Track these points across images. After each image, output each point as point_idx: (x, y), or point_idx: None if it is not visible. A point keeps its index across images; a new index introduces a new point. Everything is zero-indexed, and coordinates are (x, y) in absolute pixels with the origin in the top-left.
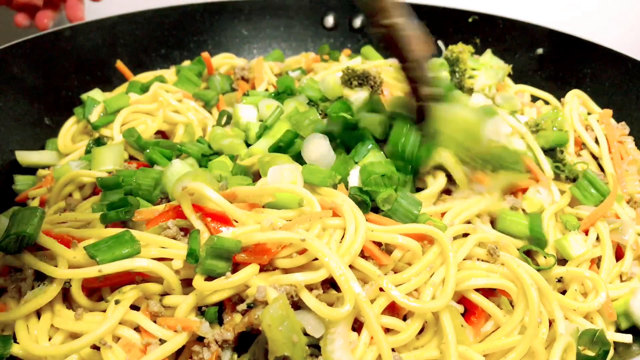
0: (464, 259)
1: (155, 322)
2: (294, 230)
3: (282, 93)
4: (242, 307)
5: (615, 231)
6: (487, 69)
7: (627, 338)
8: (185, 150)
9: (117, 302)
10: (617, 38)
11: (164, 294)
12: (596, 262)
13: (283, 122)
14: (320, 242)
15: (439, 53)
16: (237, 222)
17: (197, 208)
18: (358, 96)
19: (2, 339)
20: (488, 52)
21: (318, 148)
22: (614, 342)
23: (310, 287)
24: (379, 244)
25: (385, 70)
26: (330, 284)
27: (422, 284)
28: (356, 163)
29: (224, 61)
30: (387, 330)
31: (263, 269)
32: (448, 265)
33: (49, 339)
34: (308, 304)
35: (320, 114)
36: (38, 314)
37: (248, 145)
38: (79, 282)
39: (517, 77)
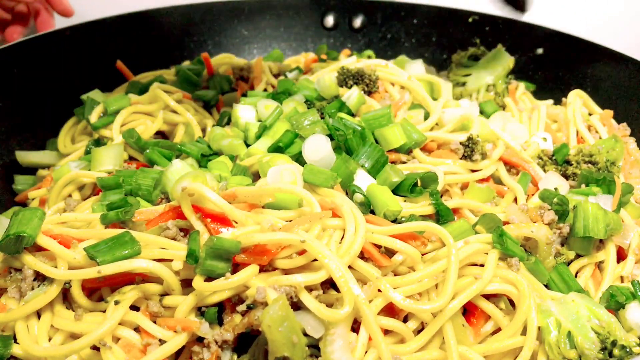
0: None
1: (155, 322)
2: (293, 231)
3: (281, 94)
4: (241, 307)
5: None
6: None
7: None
8: (185, 151)
9: (116, 302)
10: (617, 38)
11: (164, 295)
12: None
13: (282, 122)
14: (320, 244)
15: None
16: (236, 222)
17: (197, 209)
18: (350, 94)
19: (2, 339)
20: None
21: (319, 148)
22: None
23: (309, 288)
24: (378, 247)
25: (379, 68)
26: (330, 284)
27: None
28: (359, 165)
29: (223, 61)
30: (387, 332)
31: (263, 269)
32: (449, 264)
33: (49, 340)
34: (308, 306)
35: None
36: (38, 314)
37: (248, 145)
38: (79, 282)
39: (517, 77)
